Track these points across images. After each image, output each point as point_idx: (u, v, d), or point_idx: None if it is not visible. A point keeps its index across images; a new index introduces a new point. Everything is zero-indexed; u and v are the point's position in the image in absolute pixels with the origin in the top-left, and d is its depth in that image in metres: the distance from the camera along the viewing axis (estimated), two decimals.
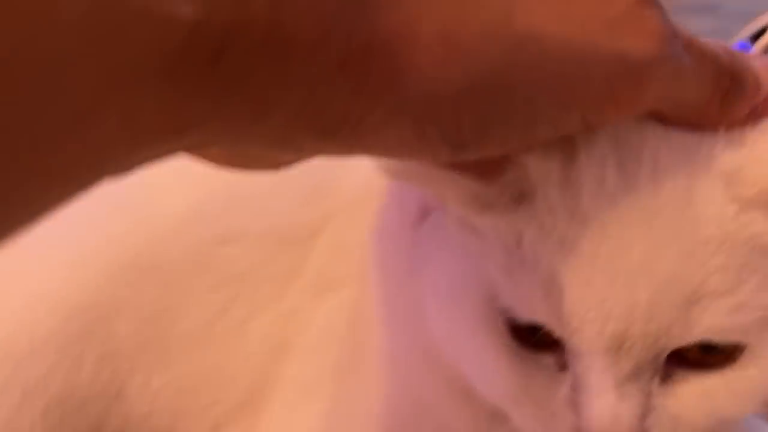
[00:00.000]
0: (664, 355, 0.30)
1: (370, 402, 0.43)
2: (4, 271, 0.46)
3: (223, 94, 0.20)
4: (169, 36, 0.18)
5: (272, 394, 0.45)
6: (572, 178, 0.29)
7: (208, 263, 0.46)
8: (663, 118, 0.29)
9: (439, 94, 0.23)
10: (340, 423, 0.44)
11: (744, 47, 0.89)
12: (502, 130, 0.26)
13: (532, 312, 0.30)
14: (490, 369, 0.33)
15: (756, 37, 0.90)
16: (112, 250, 0.47)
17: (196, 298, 0.45)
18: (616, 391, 0.30)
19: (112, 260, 0.46)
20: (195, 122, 0.20)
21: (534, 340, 0.31)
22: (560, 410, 0.32)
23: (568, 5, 0.25)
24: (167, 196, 0.48)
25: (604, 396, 0.30)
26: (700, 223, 0.29)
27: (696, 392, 0.31)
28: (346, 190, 0.46)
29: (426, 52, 0.23)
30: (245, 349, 0.45)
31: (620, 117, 0.28)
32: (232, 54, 0.19)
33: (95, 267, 0.46)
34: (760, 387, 0.32)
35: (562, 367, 0.31)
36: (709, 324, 0.29)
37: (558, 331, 0.30)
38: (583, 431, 0.31)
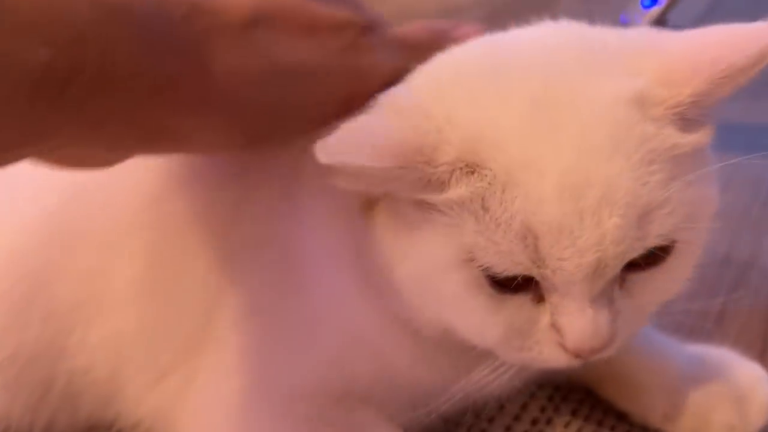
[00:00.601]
0: (623, 266, 0.35)
1: (313, 342, 0.45)
2: None
3: (69, 111, 0.29)
4: (28, 72, 0.27)
5: (214, 337, 0.47)
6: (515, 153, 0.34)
7: (143, 222, 0.48)
8: None
9: (240, 110, 0.36)
10: (277, 361, 0.46)
11: (653, 2, 0.91)
12: (282, 128, 0.39)
13: (514, 264, 0.35)
14: (476, 317, 0.38)
15: None
16: (44, 219, 0.48)
17: (134, 251, 0.47)
18: (591, 307, 0.35)
19: (45, 228, 0.48)
20: (50, 132, 0.30)
21: (509, 285, 0.36)
22: (544, 335, 0.37)
23: (312, 44, 0.37)
24: None
25: (583, 314, 0.35)
26: (634, 147, 0.34)
27: (646, 288, 0.38)
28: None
29: (221, 84, 0.34)
30: (185, 298, 0.47)
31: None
32: (74, 85, 0.28)
33: (30, 235, 0.48)
34: (687, 271, 0.39)
35: (539, 299, 0.37)
36: (657, 232, 0.34)
37: (538, 274, 0.35)
38: (568, 347, 0.36)
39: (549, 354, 0.37)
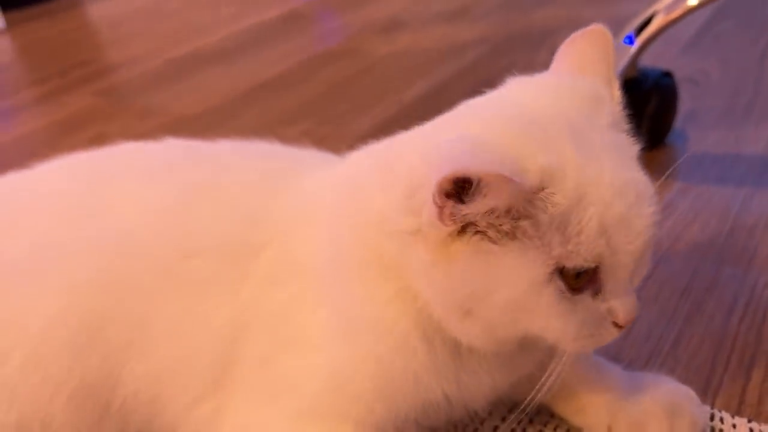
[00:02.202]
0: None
1: (320, 368, 0.56)
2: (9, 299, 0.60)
3: None
4: None
5: (237, 370, 0.58)
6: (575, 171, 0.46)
7: (176, 273, 0.59)
8: None
9: None
10: (290, 384, 0.56)
11: (630, 40, 1.00)
12: None
13: (597, 256, 0.46)
14: (562, 320, 0.48)
15: (641, 28, 1.00)
16: (94, 274, 0.60)
17: (168, 302, 0.59)
18: (633, 292, 0.49)
19: (96, 282, 0.60)
20: None
21: (579, 286, 0.47)
22: (604, 319, 0.49)
23: None
24: (123, 212, 0.62)
25: (629, 294, 0.49)
26: (636, 162, 0.49)
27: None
28: (283, 218, 0.60)
29: None
30: (210, 338, 0.58)
31: None
32: None
33: (84, 290, 0.59)
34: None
35: (596, 293, 0.48)
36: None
37: (609, 263, 0.47)
38: (621, 322, 0.49)
39: (607, 333, 0.49)
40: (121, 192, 0.65)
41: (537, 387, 0.53)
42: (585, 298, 0.48)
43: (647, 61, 1.07)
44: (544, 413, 0.64)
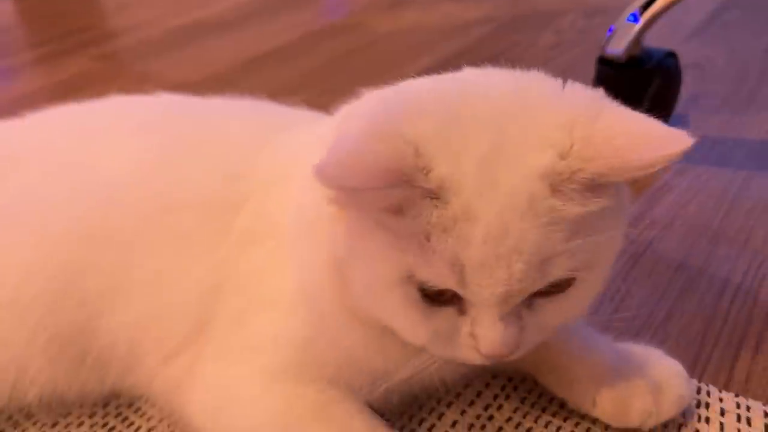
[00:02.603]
0: (528, 295, 0.45)
1: (287, 330, 0.55)
2: None
3: None
4: None
5: (212, 326, 0.58)
6: (464, 199, 0.42)
7: (157, 227, 0.58)
8: None
9: None
10: (262, 345, 0.56)
11: (634, 18, 0.98)
12: None
13: (444, 283, 0.44)
14: (411, 324, 0.47)
15: (646, 6, 0.99)
16: (74, 224, 0.59)
17: (147, 254, 0.58)
18: (501, 322, 0.45)
19: (76, 232, 0.59)
20: None
21: (440, 299, 0.46)
22: (464, 340, 0.47)
23: None
24: (107, 164, 0.61)
25: (495, 327, 0.45)
26: (543, 213, 0.42)
27: (549, 310, 0.47)
28: (262, 174, 0.60)
29: None
30: (188, 292, 0.58)
31: None
32: None
33: (64, 239, 0.59)
34: (586, 300, 0.49)
35: (462, 312, 0.46)
36: (555, 273, 0.44)
37: (461, 293, 0.44)
38: (481, 352, 0.46)
39: (467, 354, 0.47)
40: (106, 144, 0.64)
41: (391, 378, 0.52)
42: (447, 312, 0.46)
43: (654, 47, 1.06)
44: (528, 382, 0.63)
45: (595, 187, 0.42)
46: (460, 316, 0.46)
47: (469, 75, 0.51)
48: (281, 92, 1.41)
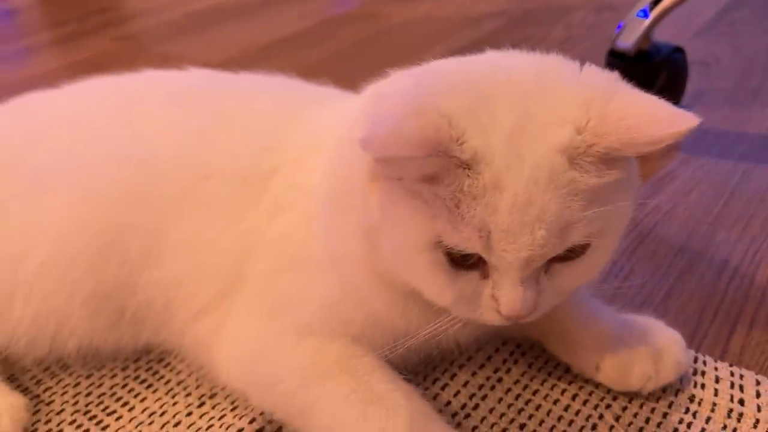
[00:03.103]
0: (547, 260, 0.49)
1: (315, 290, 0.59)
2: (31, 204, 0.63)
3: None
4: None
5: (242, 286, 0.62)
6: (494, 170, 0.45)
7: (194, 192, 0.62)
8: None
9: None
10: (290, 304, 0.60)
11: (644, 13, 1.02)
12: None
13: (471, 247, 0.47)
14: (438, 286, 0.51)
15: (656, 1, 1.03)
16: (116, 186, 0.63)
17: (183, 217, 0.62)
18: (521, 286, 0.49)
19: (117, 194, 0.63)
20: None
21: (465, 264, 0.49)
22: (486, 303, 0.51)
23: None
24: (146, 131, 0.65)
25: (514, 290, 0.49)
26: (563, 185, 0.46)
27: (565, 274, 0.51)
28: (293, 145, 0.64)
29: None
30: (220, 254, 0.62)
31: None
32: None
33: (106, 200, 0.63)
34: (599, 265, 0.53)
35: (485, 276, 0.50)
36: (573, 239, 0.48)
37: (487, 257, 0.48)
38: (502, 313, 0.50)
39: (488, 316, 0.51)
40: (144, 112, 0.68)
41: (412, 337, 0.56)
42: (471, 276, 0.50)
43: (662, 42, 1.09)
44: (535, 349, 0.67)
45: (609, 160, 0.46)
46: (483, 279, 0.50)
47: (492, 56, 0.55)
48: (297, 77, 1.45)
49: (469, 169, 0.46)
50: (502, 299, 0.49)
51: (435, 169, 0.46)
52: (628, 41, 1.04)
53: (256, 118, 0.67)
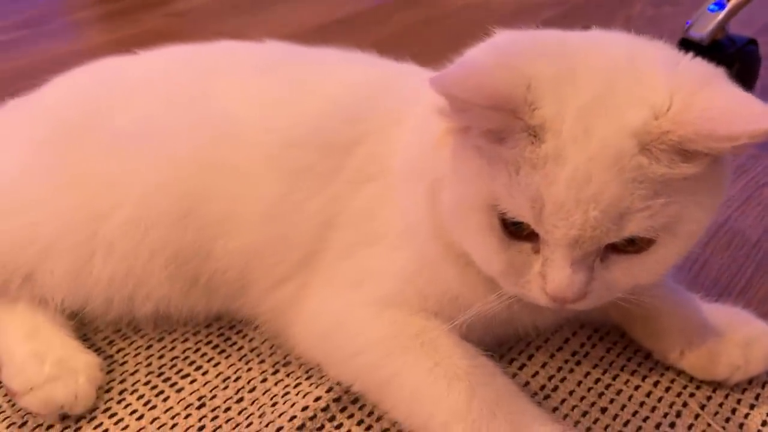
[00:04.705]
0: (603, 246, 0.47)
1: (394, 264, 0.59)
2: (113, 167, 0.63)
3: None
4: None
5: (322, 256, 0.61)
6: (559, 142, 0.44)
7: (277, 160, 0.62)
8: None
9: None
10: (370, 276, 0.59)
11: (720, 5, 1.00)
12: None
13: (522, 216, 0.46)
14: (487, 250, 0.50)
15: None
16: (197, 153, 0.63)
17: (267, 185, 0.61)
18: (571, 267, 0.46)
19: (199, 160, 0.62)
20: None
21: (519, 234, 0.48)
22: (534, 279, 0.49)
23: None
24: (228, 99, 0.65)
25: (564, 270, 0.46)
26: (629, 169, 0.43)
27: (622, 268, 0.49)
28: (377, 117, 0.63)
29: None
30: (301, 223, 0.61)
31: None
32: None
33: (187, 166, 0.62)
34: (661, 266, 0.50)
35: (537, 250, 0.48)
36: (632, 229, 0.45)
37: (537, 230, 0.46)
38: (548, 292, 0.48)
39: (534, 293, 0.49)
40: (225, 81, 0.67)
41: (458, 320, 0.54)
42: (523, 247, 0.48)
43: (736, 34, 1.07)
44: (613, 334, 0.66)
45: (685, 152, 0.44)
46: (533, 254, 0.48)
47: (596, 33, 0.53)
48: None
49: (534, 135, 0.44)
50: (549, 276, 0.47)
51: (500, 126, 0.45)
52: (702, 31, 1.02)
53: (338, 90, 0.66)
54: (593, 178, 0.43)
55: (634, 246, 0.47)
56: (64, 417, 0.59)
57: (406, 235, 0.58)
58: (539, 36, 0.52)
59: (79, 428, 0.59)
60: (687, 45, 1.03)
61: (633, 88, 0.45)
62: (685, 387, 0.60)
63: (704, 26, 1.02)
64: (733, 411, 0.58)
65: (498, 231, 0.48)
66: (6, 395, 0.61)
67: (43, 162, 0.64)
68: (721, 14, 1.01)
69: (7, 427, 0.59)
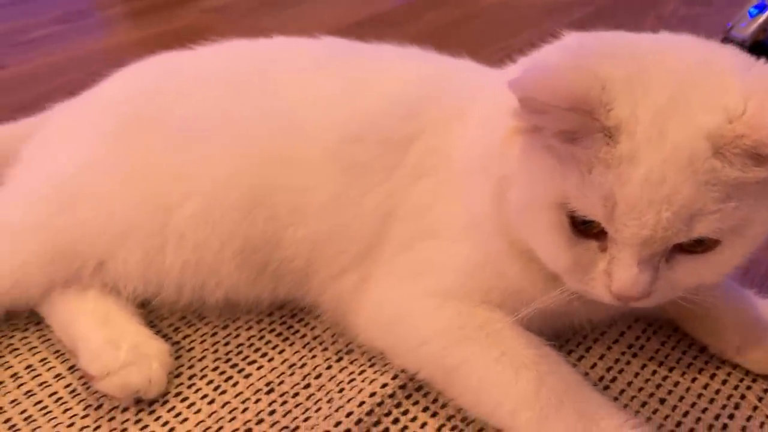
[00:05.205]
0: (671, 246, 0.48)
1: (457, 257, 0.60)
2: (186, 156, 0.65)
3: None
4: None
5: (382, 249, 0.63)
6: (633, 143, 0.45)
7: (337, 155, 0.64)
8: None
9: None
10: (431, 268, 0.61)
11: (762, 7, 1.01)
12: None
13: (594, 215, 0.47)
14: (555, 248, 0.51)
15: None
16: (262, 145, 0.65)
17: (328, 178, 0.64)
18: (637, 266, 0.47)
19: (264, 153, 0.65)
20: None
21: (587, 232, 0.49)
22: (599, 277, 0.50)
23: None
24: (289, 93, 0.67)
25: (629, 269, 0.48)
26: (702, 172, 0.44)
27: (687, 268, 0.49)
28: (435, 113, 0.65)
29: None
30: (362, 216, 0.63)
31: None
32: None
33: (253, 158, 0.65)
34: (726, 266, 0.52)
35: (603, 249, 0.49)
36: (702, 230, 0.46)
37: (607, 228, 0.47)
38: (612, 290, 0.49)
39: (598, 291, 0.50)
40: (287, 76, 0.69)
41: (521, 314, 0.56)
42: (590, 245, 0.49)
43: None
44: (666, 328, 0.67)
45: (758, 156, 0.44)
46: (600, 252, 0.49)
47: (665, 36, 0.54)
48: None
49: (609, 136, 0.45)
50: (615, 275, 0.48)
51: (575, 127, 0.46)
52: (744, 32, 1.03)
53: (395, 87, 0.68)
54: (667, 180, 0.44)
55: (700, 246, 0.48)
56: (138, 400, 0.61)
57: (469, 230, 0.60)
58: (609, 38, 0.54)
59: (153, 411, 0.61)
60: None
61: (706, 91, 0.46)
62: (741, 380, 0.62)
63: (746, 27, 1.03)
64: None
65: (566, 229, 0.49)
66: (81, 378, 0.63)
67: (111, 154, 0.67)
68: (763, 16, 1.03)
69: (84, 409, 0.61)
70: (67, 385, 0.63)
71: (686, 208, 0.45)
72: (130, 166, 0.66)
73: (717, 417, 0.59)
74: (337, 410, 0.60)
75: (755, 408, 0.59)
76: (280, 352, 0.66)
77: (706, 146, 0.44)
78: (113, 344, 0.62)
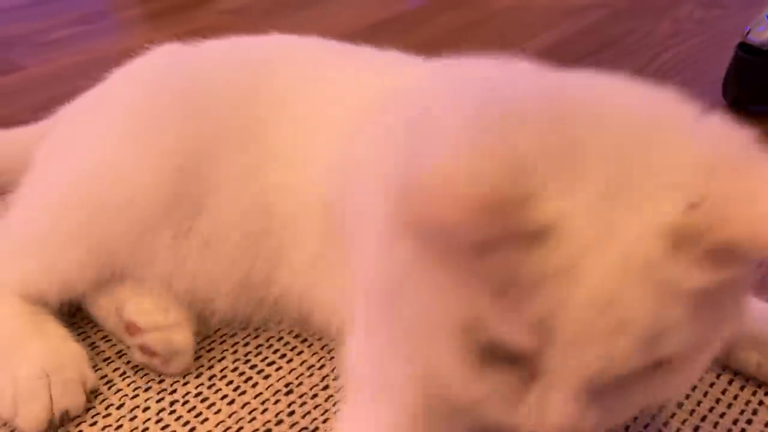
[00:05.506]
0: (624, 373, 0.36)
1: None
2: None
3: None
4: None
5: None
6: (572, 248, 0.33)
7: (317, 221, 0.62)
8: None
9: None
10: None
11: None
12: None
13: (519, 344, 0.35)
14: (461, 379, 0.39)
15: None
16: (258, 205, 0.64)
17: (309, 237, 0.63)
18: (576, 402, 0.36)
19: (260, 208, 0.65)
20: None
21: (504, 357, 0.36)
22: (525, 410, 0.38)
23: None
24: None
25: (568, 405, 0.36)
26: (661, 282, 0.33)
27: (638, 390, 0.38)
28: None
29: None
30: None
31: None
32: None
33: (249, 215, 0.65)
34: (688, 380, 0.46)
35: (531, 376, 0.37)
36: (662, 352, 0.35)
37: (537, 360, 0.35)
38: (546, 429, 0.37)
39: (526, 428, 0.38)
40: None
41: None
42: (511, 374, 0.37)
43: None
44: None
45: (725, 253, 0.33)
46: (525, 378, 0.37)
47: (590, 81, 0.44)
48: None
49: (537, 240, 0.33)
50: (549, 413, 0.36)
51: (488, 236, 0.33)
52: (762, 36, 1.03)
53: None
54: (620, 297, 0.33)
55: (657, 363, 0.36)
56: (160, 378, 0.64)
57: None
58: (518, 90, 0.41)
59: (174, 411, 0.61)
60: (746, 49, 1.05)
61: (656, 164, 0.35)
62: (760, 386, 0.62)
63: (764, 31, 1.03)
64: None
65: (475, 356, 0.38)
66: (114, 346, 0.67)
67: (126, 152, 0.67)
68: None
69: (120, 375, 0.63)
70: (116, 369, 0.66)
71: (646, 331, 0.34)
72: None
73: (735, 422, 0.59)
74: None
75: None
76: (299, 354, 0.67)
77: (662, 246, 0.34)
78: (163, 308, 0.65)
